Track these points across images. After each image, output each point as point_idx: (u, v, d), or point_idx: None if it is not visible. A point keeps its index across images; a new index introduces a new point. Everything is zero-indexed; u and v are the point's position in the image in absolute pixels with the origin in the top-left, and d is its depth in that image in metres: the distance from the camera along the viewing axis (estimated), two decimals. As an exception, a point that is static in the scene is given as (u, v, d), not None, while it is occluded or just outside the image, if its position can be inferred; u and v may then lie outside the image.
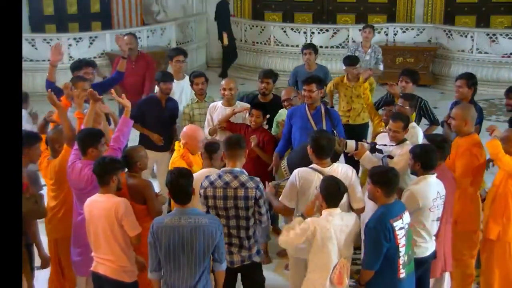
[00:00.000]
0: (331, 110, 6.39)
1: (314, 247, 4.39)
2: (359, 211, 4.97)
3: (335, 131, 5.93)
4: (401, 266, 4.38)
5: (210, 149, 5.17)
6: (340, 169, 4.87)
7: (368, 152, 5.53)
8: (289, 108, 6.44)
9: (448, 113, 6.74)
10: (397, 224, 4.34)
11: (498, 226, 5.21)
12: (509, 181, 5.15)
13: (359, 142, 5.62)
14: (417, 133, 6.00)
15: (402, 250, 4.36)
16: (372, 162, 5.45)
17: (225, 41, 13.40)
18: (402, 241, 4.35)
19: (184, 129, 5.81)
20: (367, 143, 5.63)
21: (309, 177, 4.81)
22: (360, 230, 4.69)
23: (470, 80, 6.44)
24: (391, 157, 5.46)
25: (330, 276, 4.40)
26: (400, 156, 5.40)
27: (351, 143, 5.62)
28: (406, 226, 4.41)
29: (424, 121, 6.92)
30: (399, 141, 5.57)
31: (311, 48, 8.25)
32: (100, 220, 4.55)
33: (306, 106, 6.18)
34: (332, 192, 4.42)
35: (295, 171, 4.89)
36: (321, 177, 4.71)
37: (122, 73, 7.22)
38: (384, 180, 4.41)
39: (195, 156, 5.64)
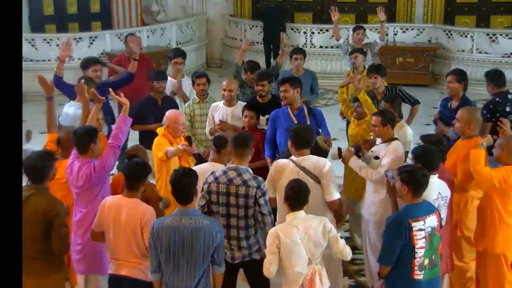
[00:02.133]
0: (315, 109, 6.38)
1: (282, 255, 4.37)
2: (332, 204, 5.01)
3: (320, 130, 6.00)
4: (416, 267, 4.39)
5: (219, 143, 5.21)
6: (314, 160, 4.99)
7: (354, 156, 5.52)
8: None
9: (438, 110, 6.78)
10: (416, 225, 4.34)
11: (485, 238, 5.14)
12: (493, 192, 5.06)
13: (345, 148, 5.64)
14: (406, 132, 6.01)
15: (419, 251, 4.36)
16: (359, 166, 5.45)
17: (285, 39, 13.23)
18: (420, 243, 4.35)
19: (167, 113, 6.02)
20: (353, 147, 5.62)
21: (282, 166, 4.98)
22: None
23: (459, 75, 6.52)
24: (377, 157, 5.45)
25: (302, 283, 4.39)
26: (386, 157, 5.35)
27: (334, 151, 5.65)
28: (429, 229, 4.38)
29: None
30: (387, 140, 5.50)
31: (301, 53, 8.03)
32: (124, 224, 4.49)
33: (288, 108, 6.20)
34: (293, 195, 4.43)
35: (274, 162, 5.15)
36: (293, 166, 4.92)
37: (133, 74, 7.25)
38: (412, 179, 4.41)
39: (177, 140, 5.90)
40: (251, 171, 4.74)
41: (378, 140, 5.67)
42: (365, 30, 9.39)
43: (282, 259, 4.40)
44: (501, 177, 4.98)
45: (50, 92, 5.71)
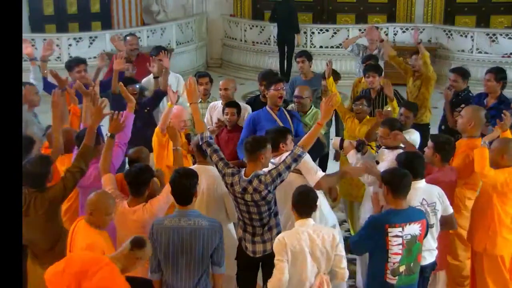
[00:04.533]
0: (292, 110, 6.33)
1: (289, 262, 4.30)
2: (318, 186, 4.96)
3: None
4: (389, 271, 4.38)
5: (202, 149, 5.13)
6: (287, 153, 4.83)
7: (354, 150, 5.49)
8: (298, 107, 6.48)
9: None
10: (393, 231, 4.31)
11: (484, 239, 5.15)
12: (493, 194, 5.06)
13: (346, 140, 5.62)
14: (414, 137, 5.95)
15: (393, 257, 4.34)
16: (355, 162, 5.41)
17: (300, 41, 12.97)
18: (394, 249, 4.33)
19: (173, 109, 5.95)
20: (356, 141, 5.61)
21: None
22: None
23: (498, 74, 6.54)
24: (377, 162, 5.43)
25: None
26: (385, 162, 5.32)
27: (336, 141, 5.64)
28: (409, 237, 4.35)
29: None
30: (392, 147, 5.46)
31: (303, 55, 7.83)
32: (134, 233, 4.46)
33: (269, 109, 6.10)
34: (302, 201, 4.36)
35: None
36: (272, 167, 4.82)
37: (122, 73, 7.21)
38: (393, 181, 4.38)
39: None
40: (260, 172, 4.64)
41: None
42: (377, 30, 9.25)
43: (288, 267, 4.32)
44: (503, 179, 4.98)
45: (63, 84, 5.78)
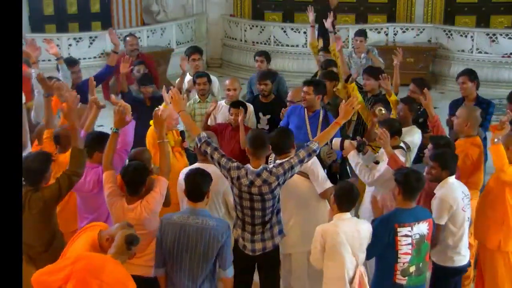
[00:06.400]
0: (331, 116, 6.28)
1: (327, 255, 4.35)
2: (325, 195, 5.00)
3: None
4: (398, 272, 4.39)
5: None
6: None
7: (355, 150, 5.48)
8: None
9: (448, 113, 6.70)
10: (402, 231, 4.32)
11: (498, 236, 5.15)
12: (507, 189, 5.08)
13: (347, 140, 5.61)
14: (415, 137, 5.93)
15: (403, 257, 4.36)
16: (355, 161, 5.41)
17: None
18: (404, 249, 4.34)
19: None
20: (357, 141, 5.59)
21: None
22: None
23: (471, 74, 6.53)
24: (377, 162, 5.43)
25: (351, 287, 4.35)
26: (385, 162, 5.29)
27: (336, 141, 5.61)
28: (417, 236, 4.36)
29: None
30: (392, 146, 5.40)
31: (263, 55, 7.83)
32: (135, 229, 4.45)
33: (305, 108, 6.17)
34: (344, 195, 4.38)
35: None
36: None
37: (112, 67, 7.19)
38: (404, 181, 4.39)
39: (169, 133, 5.76)
40: (268, 166, 4.69)
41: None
42: (365, 37, 9.08)
43: (325, 260, 4.37)
44: None
45: (49, 89, 5.77)
